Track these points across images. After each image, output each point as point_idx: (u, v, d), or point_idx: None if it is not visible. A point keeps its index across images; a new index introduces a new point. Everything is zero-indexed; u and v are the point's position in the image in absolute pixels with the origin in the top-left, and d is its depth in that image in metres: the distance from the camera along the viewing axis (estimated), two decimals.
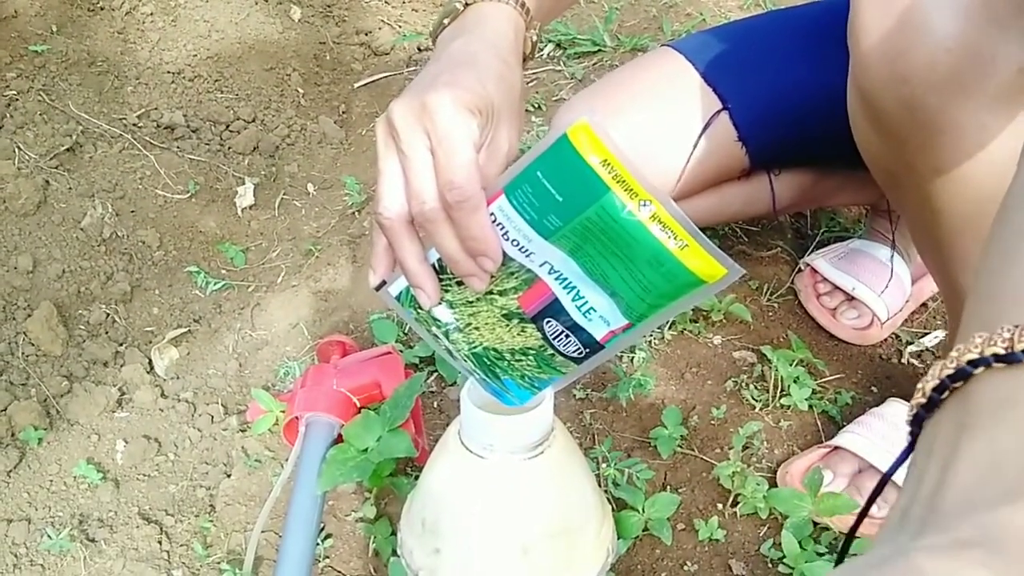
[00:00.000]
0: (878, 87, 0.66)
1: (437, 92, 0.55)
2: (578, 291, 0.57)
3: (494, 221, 0.56)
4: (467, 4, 0.68)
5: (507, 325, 0.60)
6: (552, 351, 0.60)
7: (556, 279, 0.57)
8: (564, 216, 0.53)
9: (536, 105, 1.55)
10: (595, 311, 0.57)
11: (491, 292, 0.59)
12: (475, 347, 0.62)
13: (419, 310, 0.62)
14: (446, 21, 0.69)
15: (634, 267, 0.53)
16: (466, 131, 0.55)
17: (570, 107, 0.94)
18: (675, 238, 0.51)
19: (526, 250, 0.57)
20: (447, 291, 0.60)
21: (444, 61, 0.62)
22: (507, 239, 0.57)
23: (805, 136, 0.96)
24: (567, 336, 0.59)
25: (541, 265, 0.57)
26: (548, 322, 0.59)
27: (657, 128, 0.93)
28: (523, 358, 0.62)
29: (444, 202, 0.55)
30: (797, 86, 0.95)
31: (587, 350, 0.60)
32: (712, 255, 0.51)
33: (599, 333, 0.58)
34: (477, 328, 0.61)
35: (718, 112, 0.93)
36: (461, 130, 0.55)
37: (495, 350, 0.62)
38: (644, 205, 0.51)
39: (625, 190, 0.51)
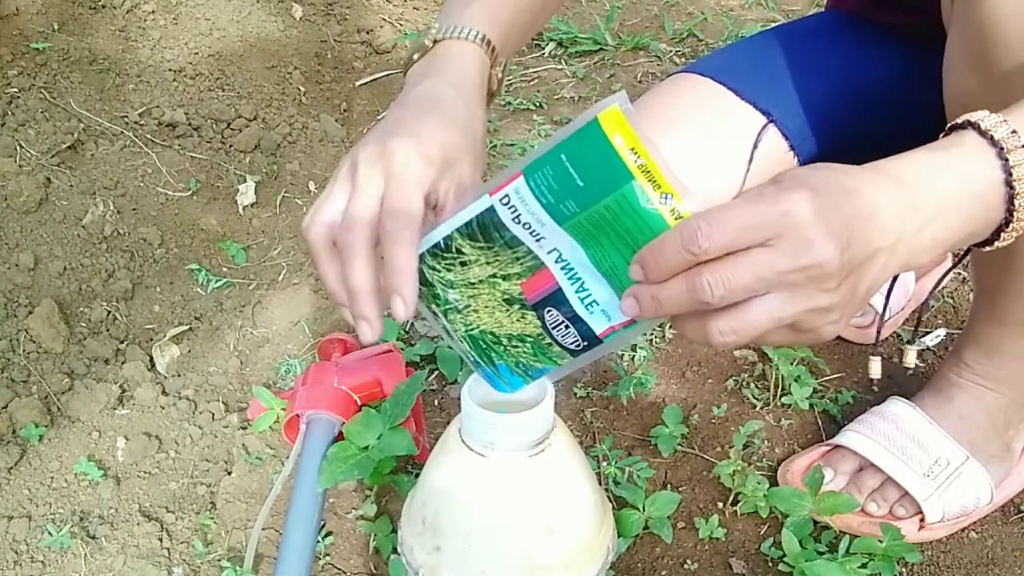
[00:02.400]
0: (1003, 21, 0.65)
1: (400, 138, 0.60)
2: (583, 283, 0.57)
3: (507, 203, 0.56)
4: (436, 41, 0.72)
5: (507, 310, 0.60)
6: (550, 340, 0.60)
7: (562, 268, 0.57)
8: (583, 202, 0.53)
9: (537, 103, 1.55)
10: (597, 304, 0.57)
11: (495, 275, 0.59)
12: (472, 330, 0.62)
13: (421, 287, 0.62)
14: (416, 56, 0.72)
15: None
16: (419, 177, 0.59)
17: None
18: None
19: (537, 234, 0.56)
20: (450, 271, 0.61)
21: (410, 106, 0.66)
22: (518, 222, 0.56)
23: (848, 136, 0.96)
24: (567, 327, 0.59)
25: (549, 252, 0.57)
26: (549, 311, 0.59)
27: (704, 152, 0.91)
28: (520, 344, 0.62)
29: (377, 231, 0.58)
30: (832, 89, 0.95)
31: (585, 343, 0.60)
32: None
33: (599, 327, 0.58)
34: (476, 311, 0.62)
35: (766, 126, 0.92)
36: (415, 175, 0.59)
37: (492, 334, 0.62)
38: (666, 198, 0.50)
39: (649, 180, 0.50)
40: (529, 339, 0.61)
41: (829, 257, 0.47)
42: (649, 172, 0.50)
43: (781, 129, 0.93)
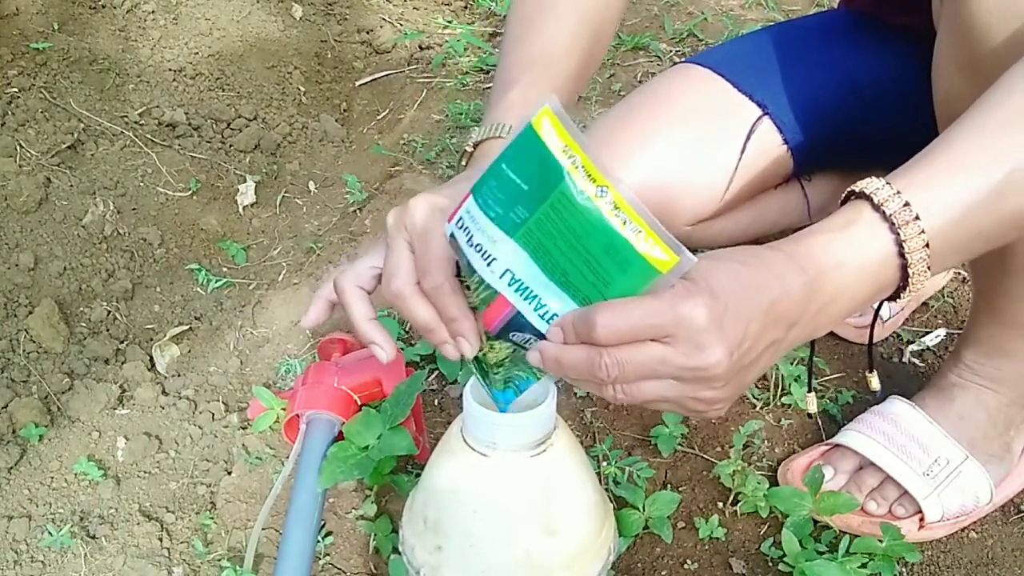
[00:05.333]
0: (990, 23, 0.66)
1: (418, 198, 0.65)
2: (539, 299, 0.57)
3: (462, 226, 0.57)
4: (476, 144, 0.77)
5: (483, 338, 0.62)
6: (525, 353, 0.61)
7: (516, 290, 0.57)
8: (530, 205, 0.53)
9: None
10: (557, 316, 0.57)
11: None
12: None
13: None
14: (463, 163, 0.78)
15: (592, 259, 0.53)
16: (438, 228, 0.61)
17: (603, 138, 0.92)
18: (630, 223, 0.51)
19: (488, 256, 0.56)
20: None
21: (438, 187, 0.70)
22: (471, 245, 0.57)
23: (845, 133, 0.96)
24: (536, 343, 0.59)
25: (501, 276, 0.57)
26: (513, 335, 0.60)
27: (702, 143, 0.92)
28: (499, 370, 0.63)
29: (415, 274, 0.63)
30: (830, 86, 0.95)
31: None
32: (666, 242, 0.52)
33: None
34: None
35: (760, 118, 0.93)
36: (435, 227, 0.61)
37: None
38: (602, 191, 0.51)
39: (584, 176, 0.51)
40: (506, 360, 0.62)
41: (717, 362, 0.52)
42: (583, 167, 0.51)
43: (776, 122, 0.93)
